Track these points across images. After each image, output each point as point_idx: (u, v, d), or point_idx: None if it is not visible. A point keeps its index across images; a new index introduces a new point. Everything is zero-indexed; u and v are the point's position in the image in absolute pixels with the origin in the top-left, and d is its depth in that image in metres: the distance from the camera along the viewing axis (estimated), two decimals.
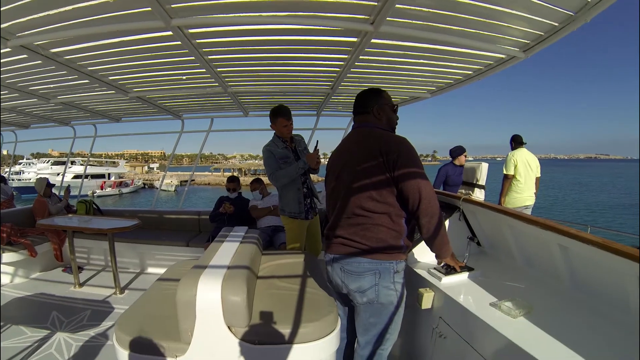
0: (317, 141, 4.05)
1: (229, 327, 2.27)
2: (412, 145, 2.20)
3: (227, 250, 2.95)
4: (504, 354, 1.92)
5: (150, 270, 5.82)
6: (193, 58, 3.41)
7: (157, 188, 61.50)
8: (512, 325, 2.01)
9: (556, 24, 2.85)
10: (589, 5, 2.52)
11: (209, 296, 2.24)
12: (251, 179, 8.00)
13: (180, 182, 64.09)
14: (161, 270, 3.52)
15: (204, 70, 3.80)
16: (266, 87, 4.81)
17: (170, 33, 2.77)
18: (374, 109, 2.38)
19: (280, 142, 4.03)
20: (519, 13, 2.69)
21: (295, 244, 4.13)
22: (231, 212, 5.53)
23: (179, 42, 2.98)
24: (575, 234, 2.14)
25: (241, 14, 2.56)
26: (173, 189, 56.38)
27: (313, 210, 4.20)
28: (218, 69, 3.92)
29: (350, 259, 2.20)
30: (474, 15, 2.71)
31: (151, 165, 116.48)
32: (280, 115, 3.91)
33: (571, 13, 2.67)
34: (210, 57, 3.48)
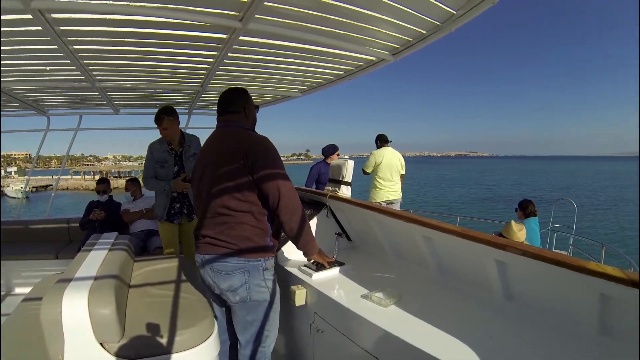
0: (187, 175, 3.91)
1: (101, 344, 2.10)
2: (273, 145, 2.28)
3: (94, 259, 2.73)
4: (379, 342, 2.03)
5: (18, 290, 5.09)
6: (56, 47, 3.07)
7: (6, 195, 54.85)
8: (384, 314, 2.14)
9: (424, 32, 3.06)
10: (454, 17, 2.74)
11: (76, 312, 2.05)
12: (116, 181, 7.27)
13: (36, 187, 58.05)
14: (30, 289, 3.14)
15: (69, 61, 3.46)
16: (136, 83, 4.54)
17: (29, 16, 2.46)
18: (245, 107, 2.42)
19: (165, 144, 3.90)
20: (390, 19, 2.83)
21: (169, 248, 4.07)
22: (102, 218, 5.16)
23: (40, 28, 2.67)
24: (436, 225, 2.33)
25: (108, 2, 2.37)
26: (24, 195, 49.51)
27: (186, 216, 4.10)
28: (84, 61, 3.60)
29: (218, 258, 2.20)
30: (346, 18, 2.80)
31: (8, 169, 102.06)
32: (156, 119, 3.81)
33: (438, 23, 2.88)
34: (75, 47, 3.17)
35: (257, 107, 2.59)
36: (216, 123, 2.51)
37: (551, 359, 1.73)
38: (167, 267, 3.25)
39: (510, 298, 2.19)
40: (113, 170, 77.61)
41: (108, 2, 2.36)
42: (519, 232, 4.05)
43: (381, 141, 6.85)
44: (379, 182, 6.56)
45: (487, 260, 2.16)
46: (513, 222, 4.20)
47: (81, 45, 3.18)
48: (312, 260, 2.72)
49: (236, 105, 2.43)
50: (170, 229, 4.06)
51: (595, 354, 1.71)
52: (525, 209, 5.61)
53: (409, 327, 2.00)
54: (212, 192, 2.23)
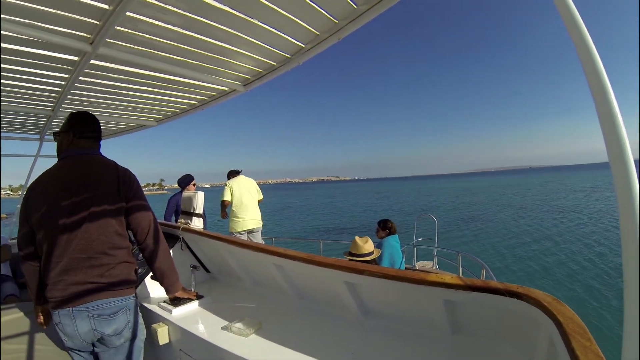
0: None
1: None
2: None
3: None
4: None
5: None
6: None
7: None
8: (246, 344, 2.15)
9: (274, 64, 3.19)
10: (302, 50, 2.90)
11: None
12: None
13: None
14: None
15: None
16: None
17: None
18: (101, 136, 2.31)
19: None
20: (243, 51, 2.92)
21: None
22: None
23: None
24: (283, 253, 2.43)
25: None
26: None
27: None
28: None
29: (99, 303, 1.98)
30: (200, 49, 2.84)
31: None
32: None
33: (288, 55, 3.03)
34: None
35: None
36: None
37: None
38: (19, 317, 2.87)
39: (366, 314, 2.35)
40: None
41: None
42: (365, 245, 4.17)
43: (232, 174, 6.78)
44: (237, 211, 6.41)
45: (337, 282, 2.28)
46: (356, 237, 4.30)
47: None
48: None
49: (96, 131, 2.29)
50: None
51: (450, 351, 1.93)
52: (384, 227, 5.81)
53: (271, 354, 2.04)
54: (93, 228, 1.98)
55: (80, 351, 2.14)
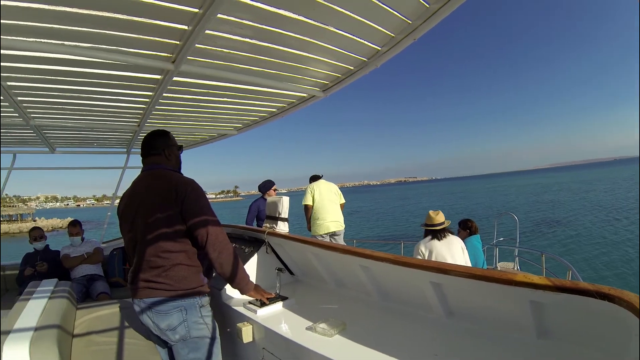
0: None
1: None
2: (200, 186, 2.38)
3: (33, 309, 2.58)
4: None
5: None
6: None
7: None
8: (330, 344, 2.16)
9: (352, 68, 3.21)
10: (379, 53, 2.91)
11: None
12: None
13: None
14: None
15: (2, 98, 3.31)
16: (73, 122, 4.43)
17: None
18: (165, 150, 2.49)
19: None
20: (320, 58, 2.96)
21: None
22: (45, 271, 4.87)
23: None
24: (370, 255, 2.42)
25: (43, 40, 2.35)
26: None
27: None
28: (18, 98, 3.48)
29: (154, 300, 2.21)
30: (277, 58, 2.91)
31: None
32: None
33: (365, 59, 3.03)
34: (9, 83, 3.09)
35: (180, 147, 2.66)
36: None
37: None
38: (110, 312, 3.15)
39: (450, 315, 2.30)
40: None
41: (42, 40, 2.35)
42: (437, 216, 4.33)
43: (313, 179, 6.88)
44: (319, 215, 6.48)
45: (423, 283, 2.25)
46: (430, 211, 4.47)
47: (15, 82, 3.12)
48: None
49: (156, 148, 2.49)
50: None
51: (535, 355, 1.83)
52: (465, 227, 5.73)
53: (355, 354, 2.04)
54: (147, 235, 2.24)
55: (159, 343, 2.46)
